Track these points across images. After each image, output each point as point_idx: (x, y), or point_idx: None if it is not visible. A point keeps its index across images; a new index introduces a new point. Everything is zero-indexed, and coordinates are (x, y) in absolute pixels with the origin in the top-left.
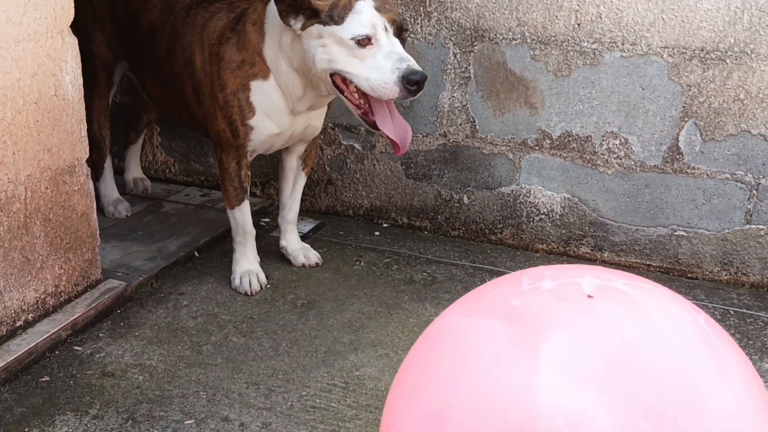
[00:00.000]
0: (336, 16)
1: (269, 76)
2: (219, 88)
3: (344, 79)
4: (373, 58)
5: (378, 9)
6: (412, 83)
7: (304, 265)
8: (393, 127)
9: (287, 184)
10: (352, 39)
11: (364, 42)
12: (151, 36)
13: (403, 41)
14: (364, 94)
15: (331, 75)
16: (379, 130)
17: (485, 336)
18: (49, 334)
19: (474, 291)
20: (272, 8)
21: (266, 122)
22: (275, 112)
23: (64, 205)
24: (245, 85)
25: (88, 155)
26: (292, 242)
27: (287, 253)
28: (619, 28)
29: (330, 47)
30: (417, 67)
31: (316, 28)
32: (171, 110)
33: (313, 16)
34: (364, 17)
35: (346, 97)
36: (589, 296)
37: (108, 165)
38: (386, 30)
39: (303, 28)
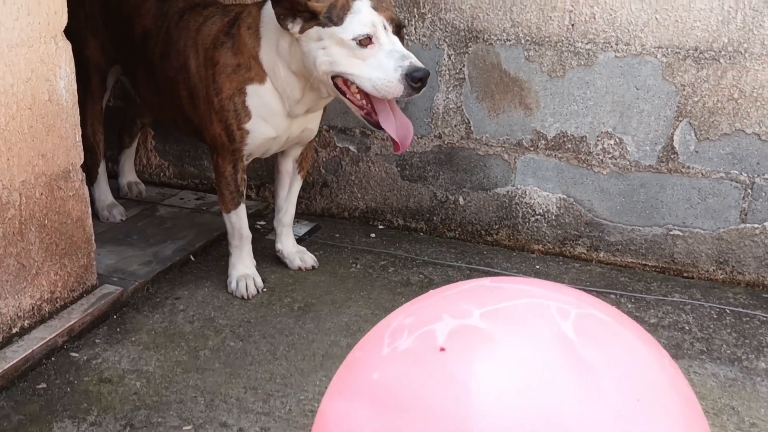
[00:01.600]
0: (335, 17)
1: (266, 80)
2: (214, 92)
3: (346, 81)
4: (374, 57)
5: (375, 8)
6: (416, 80)
7: (300, 268)
8: (396, 125)
9: (283, 187)
10: (353, 39)
11: (365, 42)
12: (145, 41)
13: (401, 39)
14: (366, 95)
15: (333, 77)
16: (382, 129)
17: (353, 425)
18: (45, 341)
19: (349, 356)
20: (268, 12)
21: (262, 126)
22: (271, 116)
23: (59, 210)
24: (241, 89)
25: (82, 160)
26: (288, 245)
27: (283, 257)
28: (612, 28)
29: (330, 49)
30: (419, 64)
31: (315, 31)
32: (165, 115)
33: (312, 18)
34: (364, 17)
35: (348, 98)
36: (442, 349)
37: (102, 169)
38: (385, 28)
39: (301, 31)
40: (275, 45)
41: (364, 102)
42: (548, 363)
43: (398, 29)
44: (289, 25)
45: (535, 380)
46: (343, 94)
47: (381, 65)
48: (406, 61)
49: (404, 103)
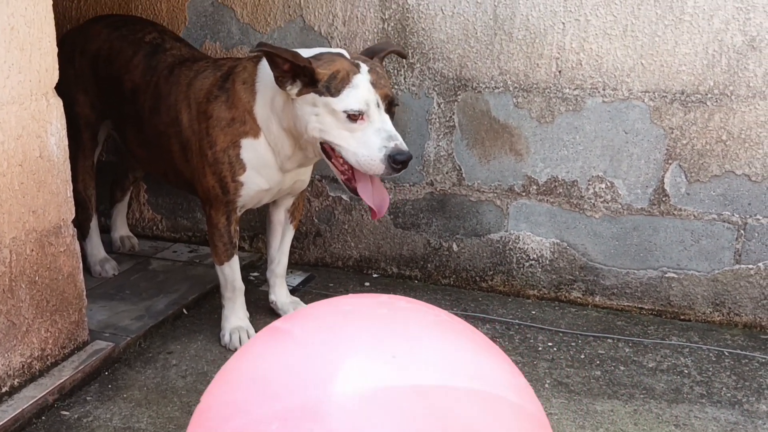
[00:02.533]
0: (333, 88)
1: (260, 134)
2: (208, 145)
3: (333, 148)
4: (363, 132)
5: (373, 84)
6: (397, 162)
7: None
8: (372, 195)
9: (275, 238)
10: (344, 112)
11: (355, 117)
12: (134, 96)
13: (392, 114)
14: (349, 163)
15: (321, 142)
16: (359, 196)
17: None
18: (35, 400)
19: None
20: (264, 68)
21: (256, 178)
22: (265, 169)
23: (50, 266)
24: (235, 143)
25: (74, 216)
26: (281, 296)
27: (277, 308)
28: (599, 74)
29: (323, 117)
30: (404, 147)
31: (311, 96)
32: (155, 169)
33: (311, 84)
34: (360, 93)
35: (332, 162)
36: None
37: (94, 224)
38: (378, 106)
39: (299, 94)
40: (270, 101)
41: (345, 168)
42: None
43: (390, 106)
44: (288, 87)
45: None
46: (329, 158)
47: (367, 142)
48: (392, 143)
49: None
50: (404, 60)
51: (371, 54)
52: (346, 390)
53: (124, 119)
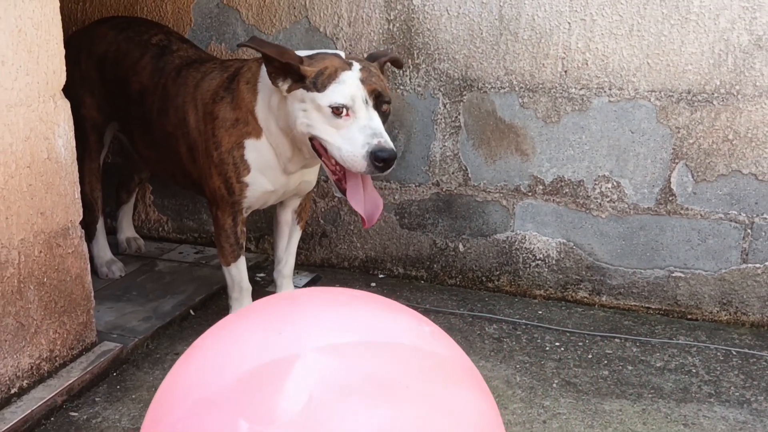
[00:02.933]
0: (319, 83)
1: (261, 135)
2: (214, 146)
3: (322, 144)
4: (348, 128)
5: (363, 81)
6: (379, 160)
7: None
8: (363, 200)
9: (282, 239)
10: (329, 107)
11: (339, 111)
12: (142, 98)
13: (384, 114)
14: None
15: (310, 138)
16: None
17: None
18: (44, 401)
19: None
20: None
21: (261, 179)
22: (269, 170)
23: (58, 268)
24: (239, 143)
25: (81, 217)
26: None
27: None
28: (605, 74)
29: (310, 112)
30: (388, 145)
31: (300, 92)
32: (163, 170)
33: (299, 80)
34: (346, 88)
35: (323, 161)
36: None
37: (100, 226)
38: (366, 102)
39: (289, 90)
40: (269, 101)
41: (337, 168)
42: None
43: (379, 101)
44: (279, 83)
45: None
46: (320, 155)
47: (351, 138)
48: (375, 140)
49: (401, 152)
50: (410, 61)
51: (372, 59)
52: (233, 374)
53: (131, 121)
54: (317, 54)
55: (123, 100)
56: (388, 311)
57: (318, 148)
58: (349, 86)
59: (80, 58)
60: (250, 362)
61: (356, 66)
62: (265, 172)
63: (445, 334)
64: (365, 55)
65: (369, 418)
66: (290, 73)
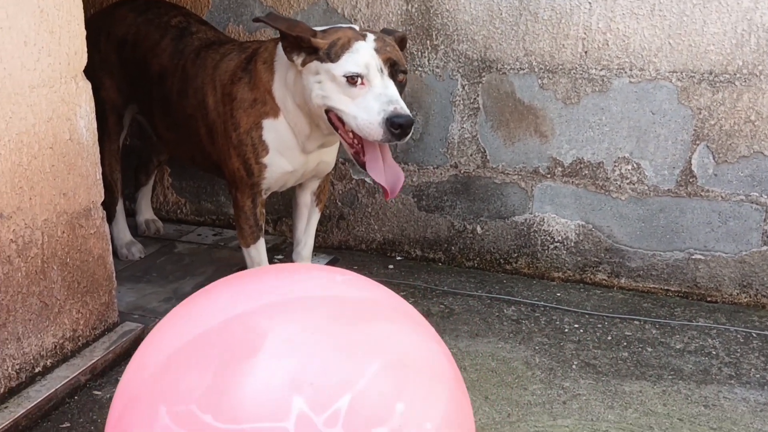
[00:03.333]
0: (333, 54)
1: (279, 114)
2: (232, 127)
3: (339, 117)
4: (363, 97)
5: (377, 50)
6: (395, 126)
7: None
8: (384, 171)
9: (301, 221)
10: (343, 76)
11: (353, 80)
12: (162, 79)
13: (401, 84)
14: (357, 135)
15: (327, 111)
16: (367, 171)
17: None
18: (68, 380)
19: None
20: (282, 47)
21: (279, 160)
22: (287, 150)
23: (81, 248)
24: (258, 124)
25: (103, 198)
26: None
27: None
28: (626, 54)
29: (325, 84)
30: (404, 111)
31: (314, 65)
32: (183, 152)
33: (313, 53)
34: (359, 57)
35: (340, 134)
36: None
37: (120, 208)
38: (381, 71)
39: (303, 64)
40: (285, 79)
41: (354, 141)
42: None
43: (394, 71)
44: (294, 58)
45: None
46: (336, 129)
47: (367, 106)
48: (391, 107)
49: (419, 134)
50: (428, 42)
51: (386, 33)
52: (154, 364)
53: (151, 103)
54: (331, 28)
55: (143, 82)
56: (298, 272)
57: (334, 121)
58: (362, 55)
59: (100, 40)
60: (164, 352)
61: (370, 36)
62: (284, 152)
63: (364, 279)
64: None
65: (275, 371)
66: (303, 46)
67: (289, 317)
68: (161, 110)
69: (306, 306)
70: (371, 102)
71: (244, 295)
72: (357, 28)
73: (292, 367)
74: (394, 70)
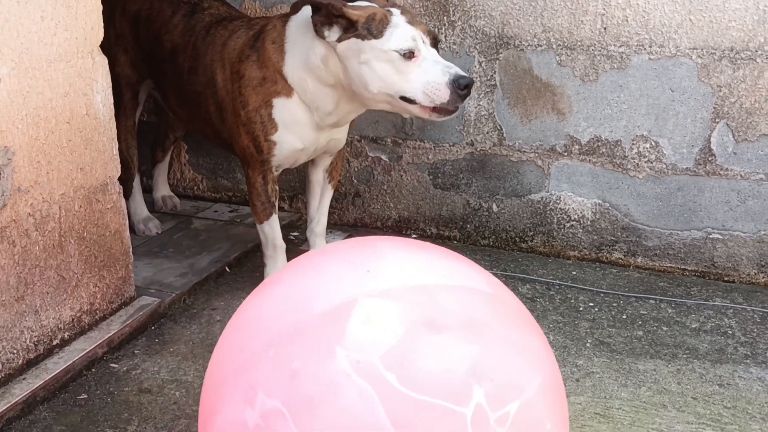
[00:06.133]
0: (374, 29)
1: (292, 93)
2: (241, 105)
3: (404, 97)
4: (419, 67)
5: (411, 23)
6: (462, 87)
7: None
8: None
9: (314, 198)
10: (395, 51)
11: (410, 54)
12: (174, 56)
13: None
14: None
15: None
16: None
17: None
18: (85, 352)
19: None
20: (294, 27)
21: (289, 137)
22: (298, 128)
23: (98, 223)
24: (267, 102)
25: (119, 173)
26: None
27: None
28: (646, 30)
29: (373, 64)
30: (464, 72)
31: (354, 43)
32: (196, 127)
33: (349, 28)
34: (405, 31)
35: (416, 113)
36: None
37: (137, 183)
38: (424, 42)
39: (339, 40)
40: (302, 59)
41: (430, 111)
42: None
43: (435, 42)
44: (326, 33)
45: None
46: (408, 112)
47: (428, 71)
48: (452, 69)
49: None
50: (445, 18)
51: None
52: (327, 303)
53: (165, 79)
54: (353, 4)
55: (156, 58)
56: (458, 259)
57: (400, 107)
58: (405, 29)
59: (114, 15)
60: (339, 296)
61: (396, 11)
62: (294, 130)
63: (498, 280)
64: None
65: (461, 354)
66: (336, 20)
67: (467, 305)
68: (174, 87)
69: (480, 299)
70: (431, 67)
71: (421, 265)
72: (377, 5)
73: (475, 355)
74: (435, 40)
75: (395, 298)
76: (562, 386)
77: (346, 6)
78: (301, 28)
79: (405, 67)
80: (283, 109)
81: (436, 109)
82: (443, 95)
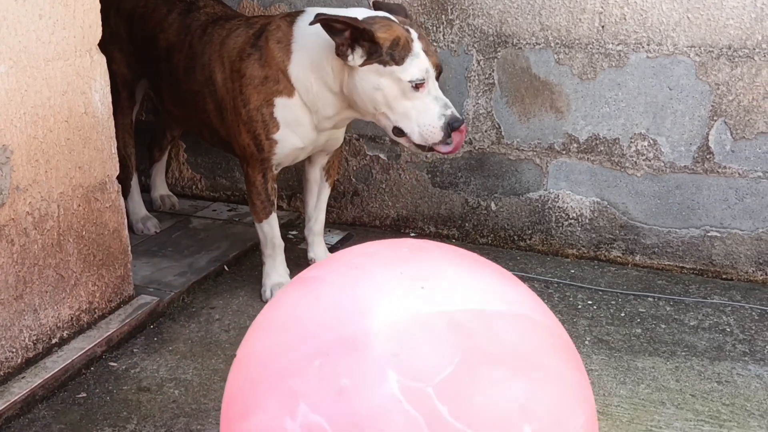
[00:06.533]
0: (397, 55)
1: (294, 94)
2: (242, 103)
3: (396, 126)
4: (422, 100)
5: (425, 52)
6: (454, 129)
7: None
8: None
9: (312, 196)
10: (410, 82)
11: (418, 86)
12: (169, 55)
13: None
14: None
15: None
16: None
17: None
18: (84, 351)
19: None
20: (301, 29)
21: (290, 137)
22: (299, 127)
23: (97, 221)
24: (269, 101)
25: (118, 172)
26: (320, 253)
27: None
28: (644, 28)
29: (387, 89)
30: (459, 115)
31: (375, 68)
32: (192, 127)
33: (373, 52)
34: (421, 61)
35: (400, 141)
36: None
37: (135, 182)
38: (431, 74)
39: (363, 64)
40: (310, 62)
41: (415, 146)
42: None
43: (439, 75)
44: (349, 57)
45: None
46: (395, 137)
47: (427, 110)
48: (449, 110)
49: None
50: (443, 17)
51: (390, 11)
52: (382, 321)
53: (159, 78)
54: (373, 18)
55: (151, 57)
56: (509, 279)
57: (387, 128)
58: (422, 59)
59: (109, 14)
60: (393, 314)
61: (414, 34)
62: (295, 129)
63: (545, 306)
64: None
65: (512, 391)
66: (361, 41)
67: (521, 336)
68: (169, 86)
69: (533, 329)
70: (431, 105)
71: (477, 286)
72: (393, 18)
73: (527, 392)
74: (438, 73)
75: (452, 323)
76: (597, 421)
77: (377, 31)
78: (312, 32)
79: (412, 95)
80: (285, 109)
81: (420, 146)
82: (436, 137)
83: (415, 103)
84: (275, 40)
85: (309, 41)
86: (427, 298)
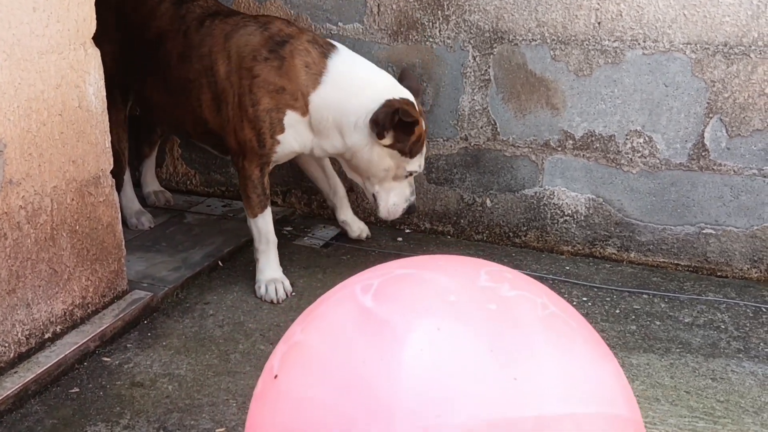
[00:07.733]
0: (414, 150)
1: (307, 115)
2: (250, 102)
3: (372, 192)
4: (400, 184)
5: (425, 146)
6: (409, 213)
7: (359, 237)
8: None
9: (317, 171)
10: (409, 171)
11: (410, 174)
12: (160, 42)
13: None
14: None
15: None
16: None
17: None
18: (77, 346)
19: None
20: (336, 67)
21: (293, 142)
22: (300, 137)
23: (90, 216)
24: (281, 109)
25: (112, 166)
26: (349, 215)
27: (347, 225)
28: (640, 25)
29: (390, 170)
30: (414, 201)
31: (394, 153)
32: (172, 116)
33: (400, 141)
34: (422, 157)
35: (362, 186)
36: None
37: (128, 177)
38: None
39: (389, 146)
40: (337, 104)
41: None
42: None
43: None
44: (385, 136)
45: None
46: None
47: (401, 194)
48: (413, 197)
49: (429, 106)
50: (439, 12)
51: (418, 94)
52: (468, 420)
53: (145, 66)
54: (404, 108)
55: (139, 45)
56: (603, 360)
57: (368, 192)
58: (423, 155)
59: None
60: (484, 413)
61: (423, 125)
62: (298, 137)
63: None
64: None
65: None
66: (398, 131)
67: None
68: (157, 73)
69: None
70: (405, 190)
71: (573, 378)
72: (414, 101)
73: None
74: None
75: (543, 427)
76: None
77: (423, 131)
78: (348, 78)
79: (401, 179)
80: (293, 120)
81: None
82: (397, 214)
83: (399, 184)
84: (303, 63)
85: (344, 85)
86: (523, 395)
